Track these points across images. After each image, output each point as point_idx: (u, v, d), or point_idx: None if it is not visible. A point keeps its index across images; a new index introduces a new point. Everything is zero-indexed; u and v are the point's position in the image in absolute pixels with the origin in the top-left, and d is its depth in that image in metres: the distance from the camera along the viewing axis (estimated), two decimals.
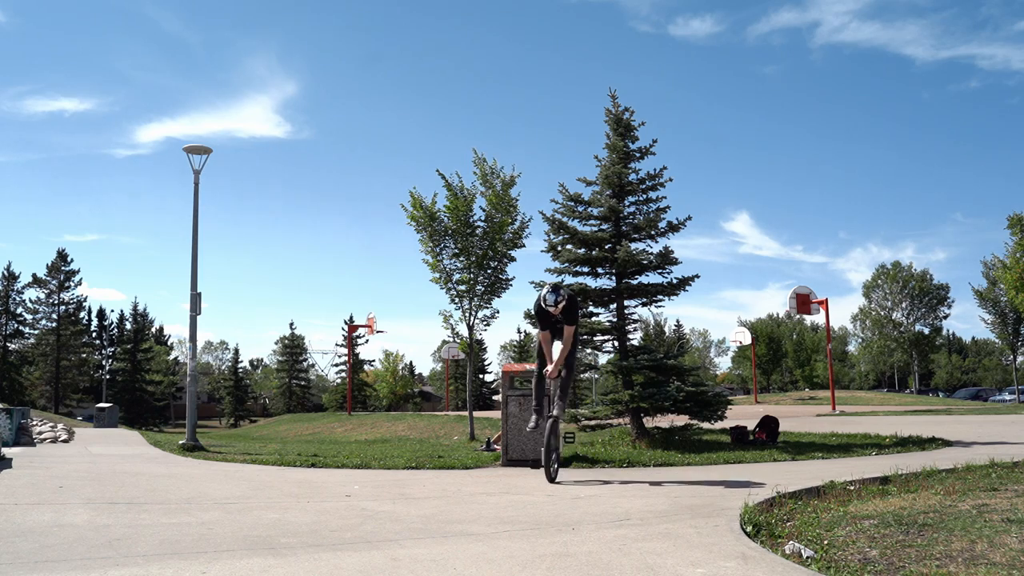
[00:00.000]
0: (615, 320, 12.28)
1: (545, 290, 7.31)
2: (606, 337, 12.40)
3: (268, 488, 6.80)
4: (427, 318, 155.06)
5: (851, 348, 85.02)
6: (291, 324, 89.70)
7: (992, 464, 7.24)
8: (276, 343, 79.58)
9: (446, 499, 5.90)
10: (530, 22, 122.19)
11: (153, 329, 70.49)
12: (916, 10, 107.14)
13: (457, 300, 16.38)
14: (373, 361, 68.86)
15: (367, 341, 63.22)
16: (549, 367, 7.27)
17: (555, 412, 7.19)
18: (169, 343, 75.85)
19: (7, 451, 10.63)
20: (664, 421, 12.82)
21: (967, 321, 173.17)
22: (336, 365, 72.58)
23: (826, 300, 32.35)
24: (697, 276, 12.36)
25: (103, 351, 66.49)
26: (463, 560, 3.57)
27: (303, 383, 75.06)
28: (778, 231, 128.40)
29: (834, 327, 63.12)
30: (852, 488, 5.95)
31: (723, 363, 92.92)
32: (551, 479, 6.99)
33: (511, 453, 9.26)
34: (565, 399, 7.28)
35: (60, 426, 19.49)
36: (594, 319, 12.35)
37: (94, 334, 66.21)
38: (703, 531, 4.32)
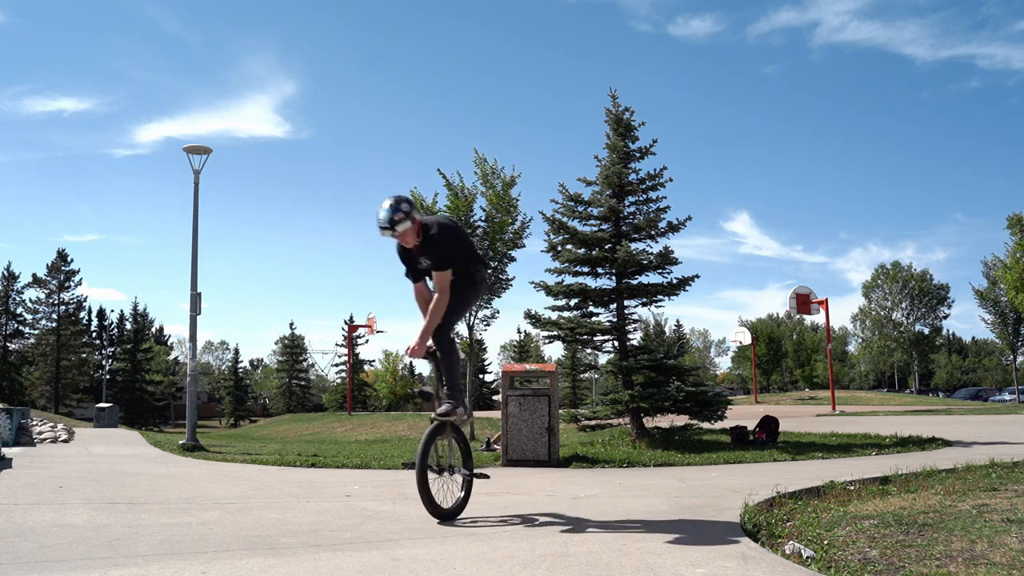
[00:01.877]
0: (615, 320, 12.29)
1: (382, 206, 4.50)
2: (606, 337, 12.41)
3: (268, 488, 6.80)
4: None
5: (851, 348, 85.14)
6: (291, 324, 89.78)
7: (992, 464, 7.24)
8: (276, 343, 79.78)
9: None
10: (530, 22, 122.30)
11: (153, 329, 70.67)
12: (916, 10, 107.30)
13: None
14: (373, 361, 68.89)
15: (367, 341, 63.41)
16: (412, 342, 4.69)
17: (438, 410, 4.77)
18: (169, 343, 76.01)
19: (7, 451, 10.63)
20: (664, 421, 12.82)
21: (967, 321, 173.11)
22: (336, 365, 72.70)
23: (826, 300, 32.36)
24: (697, 276, 12.38)
25: (103, 351, 66.59)
26: (463, 560, 3.57)
27: (303, 383, 75.10)
28: (778, 231, 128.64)
29: (834, 327, 63.09)
30: (852, 488, 5.95)
31: (723, 363, 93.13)
32: (439, 515, 4.55)
33: (511, 453, 9.26)
34: (457, 391, 4.76)
35: (60, 426, 19.49)
36: (594, 319, 12.36)
37: (94, 334, 66.30)
38: (703, 531, 4.32)
